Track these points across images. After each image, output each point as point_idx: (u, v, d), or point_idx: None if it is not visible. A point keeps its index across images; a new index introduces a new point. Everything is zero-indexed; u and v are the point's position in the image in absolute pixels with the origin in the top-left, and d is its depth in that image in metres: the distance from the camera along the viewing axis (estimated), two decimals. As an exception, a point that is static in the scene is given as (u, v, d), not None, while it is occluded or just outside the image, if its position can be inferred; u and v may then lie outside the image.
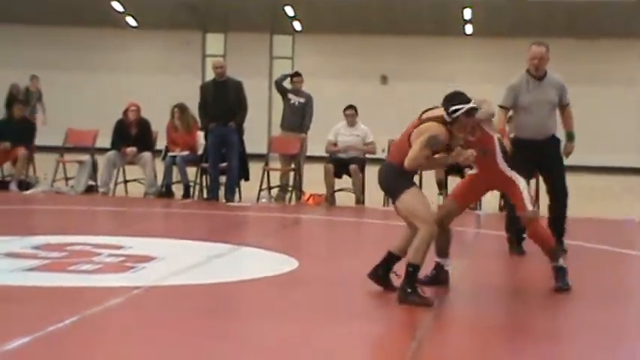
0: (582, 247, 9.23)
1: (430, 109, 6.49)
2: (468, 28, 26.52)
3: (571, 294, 6.73)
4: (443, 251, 6.92)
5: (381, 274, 6.56)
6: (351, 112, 13.47)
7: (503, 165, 6.71)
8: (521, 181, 6.71)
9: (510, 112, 8.67)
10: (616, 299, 6.84)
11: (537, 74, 8.44)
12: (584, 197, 14.51)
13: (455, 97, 6.31)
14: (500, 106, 8.42)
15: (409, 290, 6.08)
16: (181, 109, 13.81)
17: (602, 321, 5.96)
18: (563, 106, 8.64)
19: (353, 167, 12.99)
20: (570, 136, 8.75)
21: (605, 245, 9.54)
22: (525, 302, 6.66)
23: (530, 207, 6.68)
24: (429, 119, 6.31)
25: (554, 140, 8.54)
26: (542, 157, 8.32)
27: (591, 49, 26.00)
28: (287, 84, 14.12)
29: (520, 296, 6.94)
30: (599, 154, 25.01)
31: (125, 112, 13.72)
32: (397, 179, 6.39)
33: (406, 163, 6.18)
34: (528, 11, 24.87)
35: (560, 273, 6.81)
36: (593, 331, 5.70)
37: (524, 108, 8.42)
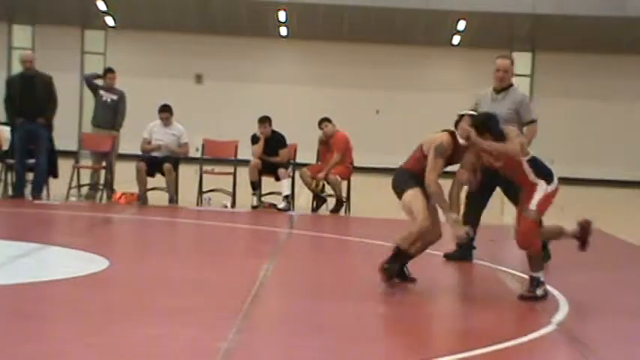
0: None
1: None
2: (283, 30, 26.78)
3: (383, 297, 6.88)
4: None
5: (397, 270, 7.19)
6: (165, 115, 13.26)
7: (528, 171, 6.84)
8: (542, 185, 6.82)
9: None
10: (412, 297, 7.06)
11: (499, 86, 8.37)
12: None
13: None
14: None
15: (388, 266, 7.01)
16: None
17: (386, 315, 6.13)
18: (525, 123, 8.36)
19: (166, 166, 12.83)
20: None
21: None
22: (336, 301, 6.75)
23: (534, 207, 6.80)
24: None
25: None
26: (497, 174, 7.44)
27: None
28: (99, 81, 13.80)
29: (332, 295, 7.04)
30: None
31: None
32: (405, 180, 7.15)
33: (427, 175, 6.98)
34: (340, 15, 25.36)
35: (533, 283, 6.86)
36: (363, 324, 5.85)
37: None
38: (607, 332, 6.14)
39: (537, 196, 6.84)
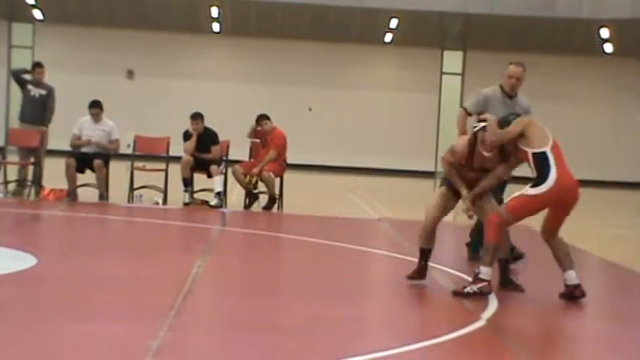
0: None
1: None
2: (215, 26, 26.63)
3: (324, 293, 6.88)
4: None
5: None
6: (95, 111, 13.07)
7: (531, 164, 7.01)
8: (527, 187, 6.93)
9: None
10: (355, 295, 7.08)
11: (512, 93, 8.45)
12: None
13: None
14: (465, 110, 8.41)
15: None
16: None
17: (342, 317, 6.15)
18: None
19: (97, 162, 12.65)
20: None
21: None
22: (269, 298, 6.74)
23: (504, 203, 7.06)
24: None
25: None
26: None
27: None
28: (27, 76, 13.55)
29: (264, 292, 7.02)
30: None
31: None
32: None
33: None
34: (273, 12, 25.32)
35: (474, 278, 6.92)
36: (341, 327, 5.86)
37: None
38: (535, 327, 6.24)
39: (516, 194, 6.94)
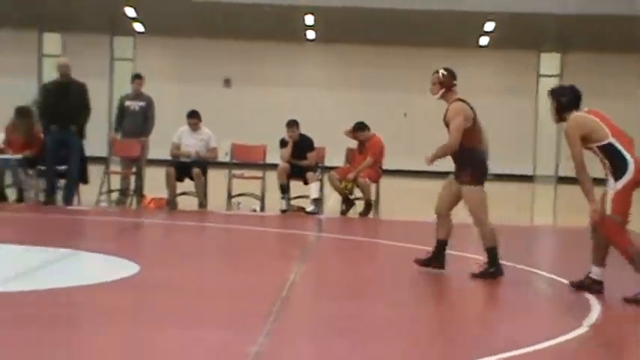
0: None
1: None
2: (310, 34, 26.79)
3: (400, 294, 6.86)
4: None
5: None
6: (193, 121, 13.29)
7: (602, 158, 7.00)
8: (611, 184, 6.89)
9: None
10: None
11: None
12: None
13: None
14: None
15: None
16: (20, 112, 13.29)
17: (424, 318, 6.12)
18: None
19: (195, 171, 12.87)
20: None
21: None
22: (366, 304, 6.74)
23: (609, 211, 6.93)
24: None
25: None
26: None
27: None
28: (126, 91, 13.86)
29: (361, 298, 7.03)
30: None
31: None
32: None
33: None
34: (368, 18, 25.33)
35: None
36: (432, 332, 5.84)
37: None
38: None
39: (609, 198, 6.86)
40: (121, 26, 27.05)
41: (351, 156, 13.78)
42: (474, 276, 7.64)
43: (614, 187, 6.80)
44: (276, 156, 13.50)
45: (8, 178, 13.04)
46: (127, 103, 13.66)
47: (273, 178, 13.18)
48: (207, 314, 6.04)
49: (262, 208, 13.16)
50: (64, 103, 12.67)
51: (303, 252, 9.49)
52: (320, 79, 27.53)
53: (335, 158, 14.33)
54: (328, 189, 13.54)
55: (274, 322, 5.77)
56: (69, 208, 12.51)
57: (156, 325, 5.61)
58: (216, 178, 13.48)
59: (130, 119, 13.60)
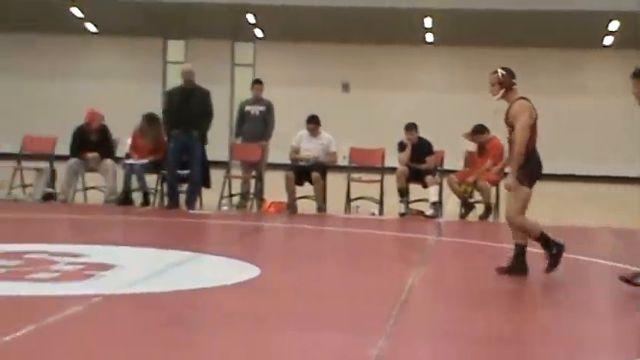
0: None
1: None
2: (429, 37, 26.66)
3: (538, 302, 6.75)
4: None
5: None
6: (313, 126, 13.40)
7: None
8: None
9: None
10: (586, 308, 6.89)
11: None
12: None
13: None
14: None
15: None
16: (149, 119, 13.66)
17: (566, 328, 6.00)
18: None
19: (315, 175, 12.97)
20: None
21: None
22: (487, 309, 6.67)
23: None
24: None
25: None
26: None
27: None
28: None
29: (481, 302, 6.96)
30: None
31: (87, 120, 13.57)
32: None
33: None
34: (488, 20, 25.04)
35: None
36: (554, 337, 5.73)
37: None
38: None
39: None
40: (242, 32, 27.50)
41: (470, 159, 13.64)
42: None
43: None
44: (394, 159, 13.48)
45: (134, 183, 13.42)
46: (248, 108, 13.87)
47: (391, 182, 13.17)
48: (327, 317, 6.07)
49: (381, 212, 13.16)
50: (187, 108, 12.94)
51: (422, 255, 9.46)
52: (439, 82, 27.36)
53: (454, 161, 14.23)
54: (447, 192, 13.44)
55: (394, 325, 5.76)
56: (191, 212, 12.79)
57: (276, 328, 5.67)
58: (335, 182, 13.56)
59: (251, 124, 13.80)
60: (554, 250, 7.78)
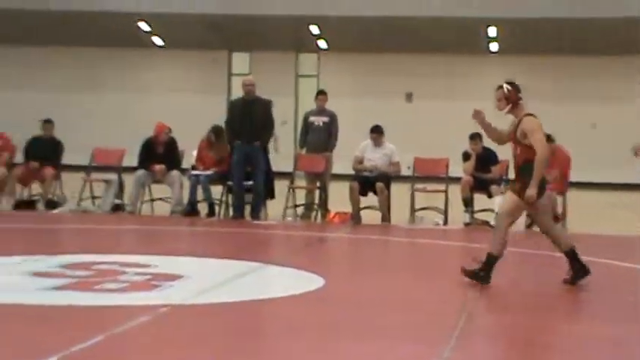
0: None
1: None
2: (493, 46, 26.48)
3: (589, 309, 6.67)
4: None
5: None
6: (376, 136, 13.42)
7: None
8: None
9: None
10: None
11: None
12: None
13: None
14: None
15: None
16: (216, 132, 13.80)
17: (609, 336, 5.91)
18: None
19: (379, 185, 12.97)
20: None
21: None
22: (553, 320, 6.61)
23: None
24: None
25: None
26: None
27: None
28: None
29: (547, 311, 6.89)
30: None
31: (155, 132, 13.77)
32: None
33: None
34: (554, 29, 24.79)
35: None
36: (601, 346, 5.66)
37: None
38: None
39: None
40: (306, 43, 27.63)
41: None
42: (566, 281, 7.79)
43: None
44: (458, 169, 13.43)
45: (200, 194, 13.57)
46: (311, 118, 13.94)
47: (456, 192, 13.10)
48: (392, 327, 6.07)
49: (445, 222, 13.11)
50: (249, 119, 13.06)
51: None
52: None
53: (519, 171, 14.04)
54: (512, 202, 13.30)
55: (459, 335, 5.74)
56: (256, 222, 12.88)
57: (340, 338, 5.69)
58: (399, 192, 13.54)
59: (314, 134, 13.86)
60: (482, 273, 7.74)
